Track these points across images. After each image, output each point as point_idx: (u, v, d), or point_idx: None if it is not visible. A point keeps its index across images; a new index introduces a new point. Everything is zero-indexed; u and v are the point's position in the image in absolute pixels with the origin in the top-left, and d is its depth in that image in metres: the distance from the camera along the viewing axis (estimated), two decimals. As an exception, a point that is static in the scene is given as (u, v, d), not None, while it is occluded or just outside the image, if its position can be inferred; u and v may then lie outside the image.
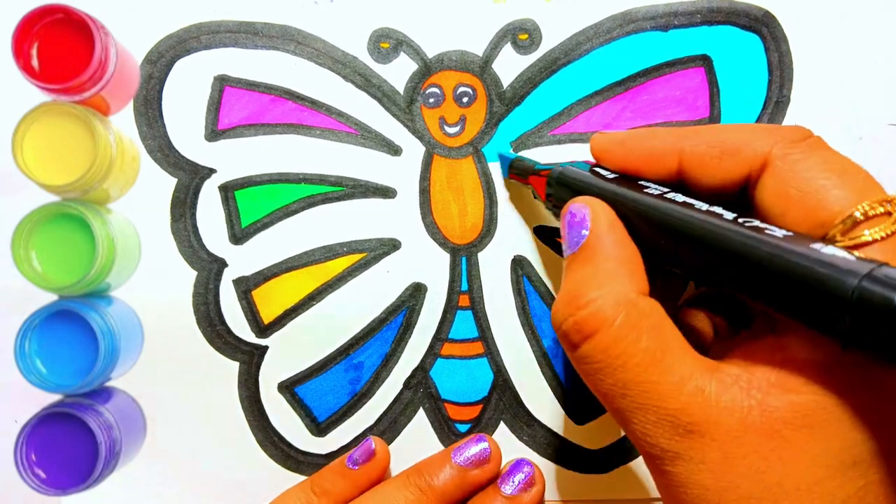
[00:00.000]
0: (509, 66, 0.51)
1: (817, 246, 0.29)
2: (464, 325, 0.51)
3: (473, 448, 0.46)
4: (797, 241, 0.30)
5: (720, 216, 0.33)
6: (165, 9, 0.51)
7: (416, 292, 0.51)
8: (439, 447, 0.50)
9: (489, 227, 0.51)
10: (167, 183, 0.51)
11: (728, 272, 0.32)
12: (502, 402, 0.51)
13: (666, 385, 0.32)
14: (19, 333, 0.45)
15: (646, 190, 0.37)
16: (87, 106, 0.46)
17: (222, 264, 0.51)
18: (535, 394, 0.51)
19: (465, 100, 0.51)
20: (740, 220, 0.32)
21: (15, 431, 0.45)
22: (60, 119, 0.46)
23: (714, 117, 0.51)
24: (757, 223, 0.32)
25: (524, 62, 0.51)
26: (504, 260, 0.51)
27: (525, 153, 0.51)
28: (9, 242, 0.45)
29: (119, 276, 0.49)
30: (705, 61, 0.51)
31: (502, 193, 0.51)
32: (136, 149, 0.50)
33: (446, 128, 0.51)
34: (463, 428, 0.51)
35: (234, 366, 0.51)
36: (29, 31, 0.45)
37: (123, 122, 0.50)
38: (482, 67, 0.51)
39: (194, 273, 0.51)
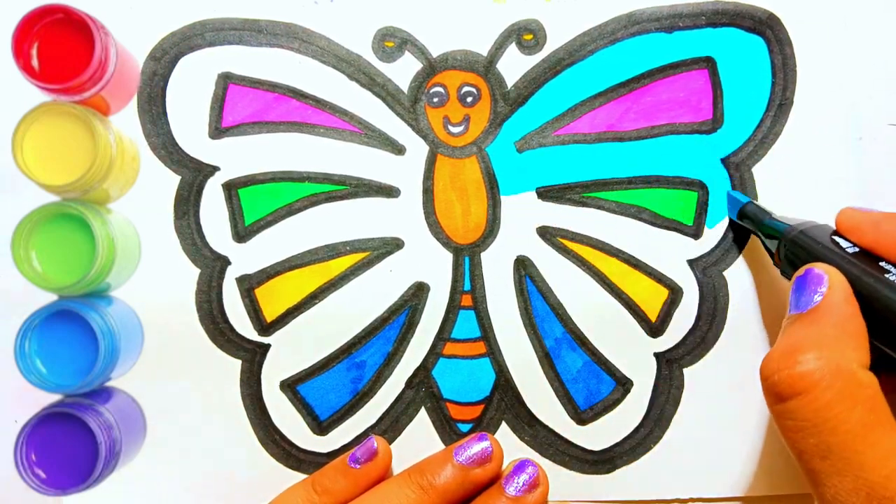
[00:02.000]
0: (514, 67, 0.50)
1: None
2: (466, 324, 0.49)
3: (475, 447, 0.44)
4: None
5: None
6: (167, 7, 0.49)
7: (419, 292, 0.49)
8: (441, 447, 0.49)
9: (492, 226, 0.49)
10: (170, 181, 0.49)
11: None
12: (504, 402, 0.49)
13: (871, 457, 0.31)
14: (19, 333, 0.44)
15: (888, 275, 0.36)
16: (87, 106, 0.45)
17: (225, 262, 0.49)
18: (536, 394, 0.49)
19: (469, 99, 0.50)
20: None
21: (15, 431, 0.44)
22: (60, 119, 0.44)
23: (717, 119, 0.49)
24: None
25: (528, 62, 0.50)
26: (507, 260, 0.49)
27: (529, 153, 0.49)
28: (9, 242, 0.44)
29: (119, 276, 0.47)
30: (709, 63, 0.49)
31: (506, 194, 0.49)
32: (136, 148, 0.49)
33: (450, 127, 0.50)
34: (465, 428, 0.49)
35: (237, 364, 0.49)
36: (29, 31, 0.44)
37: (124, 121, 0.49)
38: (486, 67, 0.50)
39: (197, 271, 0.49)
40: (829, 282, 0.36)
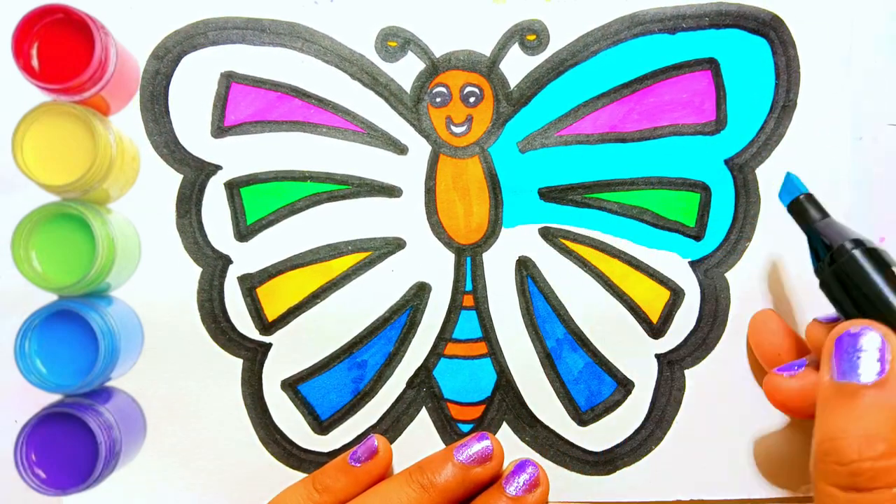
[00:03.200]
0: (516, 67, 0.49)
1: None
2: (467, 325, 0.49)
3: (476, 446, 0.44)
4: None
5: None
6: (169, 6, 0.48)
7: (421, 292, 0.49)
8: (442, 447, 0.48)
9: (494, 227, 0.49)
10: (172, 179, 0.48)
11: None
12: (505, 402, 0.48)
13: None
14: (19, 333, 0.43)
15: None
16: (87, 106, 0.45)
17: (227, 261, 0.48)
18: (537, 395, 0.48)
19: (471, 100, 0.49)
20: None
21: (15, 431, 0.43)
22: (60, 119, 0.44)
23: (720, 120, 0.48)
24: None
25: (531, 63, 0.49)
26: (509, 260, 0.49)
27: (532, 154, 0.49)
28: (9, 242, 0.44)
29: (119, 276, 0.47)
30: (712, 64, 0.49)
31: (509, 195, 0.49)
32: (136, 148, 0.48)
33: (453, 127, 0.49)
34: (465, 428, 0.48)
35: (238, 363, 0.48)
36: (29, 31, 0.43)
37: (124, 121, 0.48)
38: (489, 67, 0.49)
39: (199, 270, 0.48)
40: (892, 350, 0.33)
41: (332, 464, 0.45)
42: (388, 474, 0.46)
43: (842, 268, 0.37)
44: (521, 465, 0.44)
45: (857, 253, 0.37)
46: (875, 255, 0.36)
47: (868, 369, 0.33)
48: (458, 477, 0.43)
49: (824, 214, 0.40)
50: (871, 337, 0.34)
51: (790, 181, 0.43)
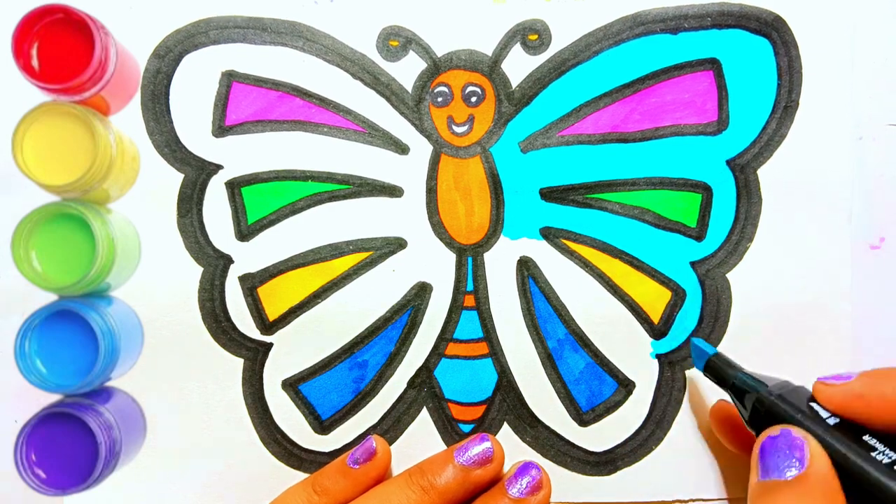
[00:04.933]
0: (518, 67, 0.48)
1: None
2: (469, 325, 0.48)
3: (476, 447, 0.44)
4: None
5: None
6: (168, 6, 0.48)
7: (422, 292, 0.48)
8: (442, 447, 0.48)
9: (495, 227, 0.48)
10: (173, 179, 0.48)
11: None
12: (506, 402, 0.48)
13: None
14: (19, 333, 0.43)
15: (874, 454, 0.34)
16: (87, 106, 0.44)
17: (228, 261, 0.48)
18: (538, 395, 0.48)
19: (473, 99, 0.48)
20: None
21: (15, 431, 0.43)
22: (60, 119, 0.43)
23: (722, 121, 0.48)
24: None
25: (533, 62, 0.48)
26: (510, 261, 0.48)
27: (533, 154, 0.48)
28: (9, 242, 0.43)
29: (119, 276, 0.46)
30: (714, 65, 0.48)
31: (511, 195, 0.48)
32: (136, 148, 0.47)
33: (454, 127, 0.48)
34: (466, 428, 0.48)
35: (239, 363, 0.48)
36: (29, 31, 0.43)
37: (124, 121, 0.47)
38: (491, 67, 0.48)
39: (200, 269, 0.48)
40: (810, 449, 0.34)
41: (330, 466, 0.45)
42: (387, 475, 0.45)
43: (764, 410, 0.38)
44: (523, 468, 0.43)
45: (778, 395, 0.38)
46: (794, 393, 0.38)
47: (784, 466, 0.34)
48: (459, 479, 0.43)
49: (740, 369, 0.42)
50: (790, 439, 0.35)
51: (696, 346, 0.44)
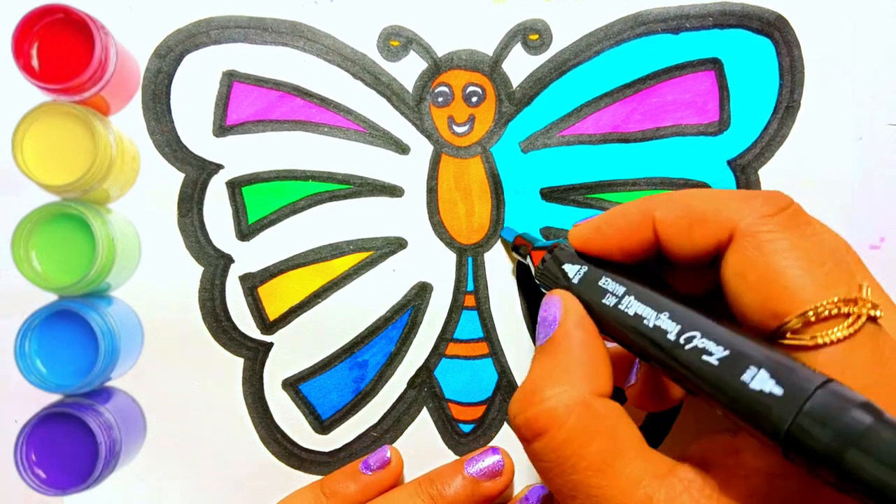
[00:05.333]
0: (519, 67, 0.48)
1: (747, 377, 0.26)
2: (469, 325, 0.48)
3: (487, 460, 0.44)
4: (731, 369, 0.27)
5: (665, 333, 0.30)
6: (168, 6, 0.48)
7: (422, 291, 0.48)
8: (442, 447, 0.48)
9: (496, 227, 0.48)
10: (174, 178, 0.48)
11: (679, 381, 0.30)
12: (506, 403, 0.48)
13: (614, 490, 0.29)
14: (19, 333, 0.43)
15: (604, 299, 0.34)
16: (87, 106, 0.44)
17: (229, 260, 0.48)
18: None
19: (474, 99, 0.48)
20: (682, 340, 0.29)
21: (15, 431, 0.43)
22: (60, 119, 0.43)
23: (724, 121, 0.47)
24: (697, 343, 0.29)
25: (534, 62, 0.48)
26: (510, 260, 0.48)
27: (534, 154, 0.48)
28: (9, 242, 0.43)
29: (119, 276, 0.46)
30: (716, 65, 0.48)
31: (511, 195, 0.48)
32: (136, 148, 0.47)
33: (455, 127, 0.48)
34: (466, 428, 0.48)
35: (239, 362, 0.48)
36: (29, 31, 0.43)
37: (124, 121, 0.47)
38: (492, 67, 0.48)
39: (200, 269, 0.48)
40: (562, 309, 0.34)
41: (341, 470, 0.45)
42: (397, 484, 0.46)
43: (542, 273, 0.39)
44: (536, 491, 0.44)
45: (543, 260, 0.39)
46: (559, 253, 0.38)
47: (545, 331, 0.34)
48: (468, 490, 0.43)
49: (537, 240, 0.43)
50: (548, 301, 0.35)
51: (504, 238, 0.47)
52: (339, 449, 0.48)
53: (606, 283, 0.34)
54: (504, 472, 0.43)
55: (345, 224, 0.48)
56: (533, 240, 0.43)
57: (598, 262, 0.35)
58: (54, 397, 0.44)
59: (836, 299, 0.26)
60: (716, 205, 0.31)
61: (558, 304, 0.34)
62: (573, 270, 0.36)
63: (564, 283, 0.36)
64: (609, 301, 0.33)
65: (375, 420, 0.48)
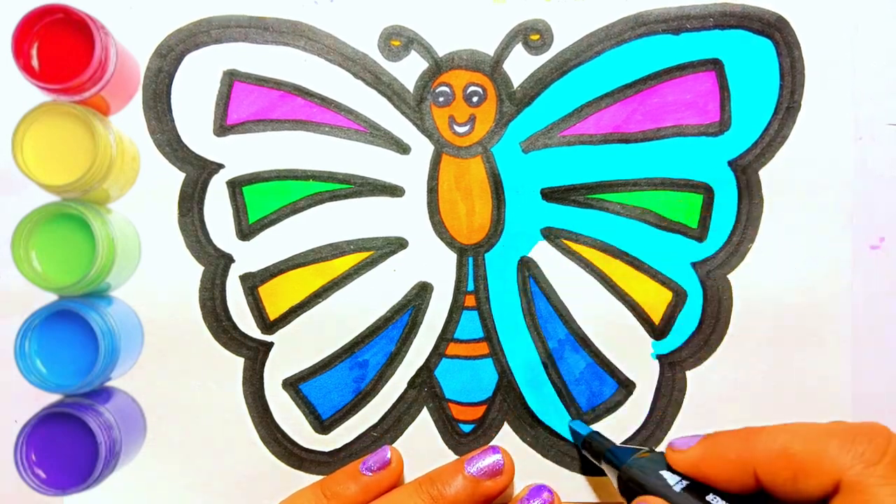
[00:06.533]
0: (520, 67, 0.48)
1: None
2: (469, 325, 0.48)
3: (487, 459, 0.43)
4: None
5: None
6: (167, 6, 0.47)
7: (423, 291, 0.48)
8: (442, 447, 0.48)
9: (496, 227, 0.48)
10: (174, 178, 0.47)
11: None
12: (506, 403, 0.48)
13: None
14: (19, 333, 0.43)
15: None
16: (87, 106, 0.44)
17: (229, 260, 0.48)
18: (539, 395, 0.48)
19: (475, 99, 0.48)
20: None
21: (15, 431, 0.42)
22: (60, 119, 0.43)
23: (724, 122, 0.47)
24: None
25: (535, 63, 0.48)
26: (511, 261, 0.48)
27: (535, 154, 0.48)
28: (9, 242, 0.43)
29: (119, 276, 0.46)
30: (717, 65, 0.47)
31: (512, 195, 0.48)
32: (136, 148, 0.47)
33: (456, 127, 0.48)
34: (467, 428, 0.48)
35: (239, 362, 0.48)
36: (29, 31, 0.43)
37: (124, 121, 0.47)
38: (493, 67, 0.48)
39: (201, 268, 0.48)
40: None
41: (342, 471, 0.45)
42: (397, 485, 0.45)
43: (626, 479, 0.39)
44: (536, 490, 0.43)
45: (632, 464, 0.40)
46: (649, 462, 0.39)
47: None
48: (468, 490, 0.42)
49: (610, 443, 0.44)
50: None
51: (573, 429, 0.47)
52: (340, 449, 0.47)
53: (715, 498, 0.35)
54: (504, 471, 0.43)
55: (345, 224, 0.48)
56: (604, 440, 0.44)
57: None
58: (54, 397, 0.44)
59: None
60: (818, 453, 0.31)
61: None
62: (673, 479, 0.37)
63: (662, 491, 0.37)
64: None
65: (376, 420, 0.48)
